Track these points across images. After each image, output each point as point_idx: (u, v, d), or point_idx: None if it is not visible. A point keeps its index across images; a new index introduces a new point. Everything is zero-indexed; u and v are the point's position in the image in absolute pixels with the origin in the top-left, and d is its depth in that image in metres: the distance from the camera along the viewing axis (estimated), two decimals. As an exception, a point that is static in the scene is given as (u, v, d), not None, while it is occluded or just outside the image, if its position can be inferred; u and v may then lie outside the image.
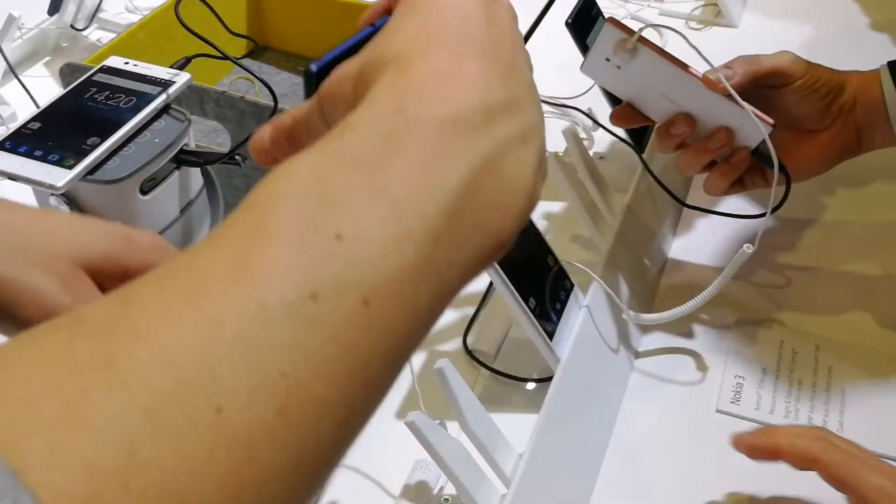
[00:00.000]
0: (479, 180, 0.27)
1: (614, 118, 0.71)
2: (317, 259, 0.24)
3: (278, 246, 0.24)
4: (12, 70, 0.93)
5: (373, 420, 0.46)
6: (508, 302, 0.60)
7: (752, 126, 0.64)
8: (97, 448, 0.19)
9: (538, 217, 0.77)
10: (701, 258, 0.80)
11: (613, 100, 0.79)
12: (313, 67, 0.33)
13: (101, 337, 0.22)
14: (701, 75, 0.65)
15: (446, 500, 0.59)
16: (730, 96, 0.64)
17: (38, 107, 0.87)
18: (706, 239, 0.81)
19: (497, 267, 0.58)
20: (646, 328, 0.73)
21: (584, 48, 0.77)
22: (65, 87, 0.63)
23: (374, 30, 0.34)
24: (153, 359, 0.21)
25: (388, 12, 0.34)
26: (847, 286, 0.76)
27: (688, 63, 0.67)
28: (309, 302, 0.23)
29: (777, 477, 0.61)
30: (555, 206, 0.83)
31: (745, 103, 0.63)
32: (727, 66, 0.66)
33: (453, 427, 0.54)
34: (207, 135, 0.89)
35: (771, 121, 0.65)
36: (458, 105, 0.27)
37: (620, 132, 0.81)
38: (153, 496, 0.20)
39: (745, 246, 0.63)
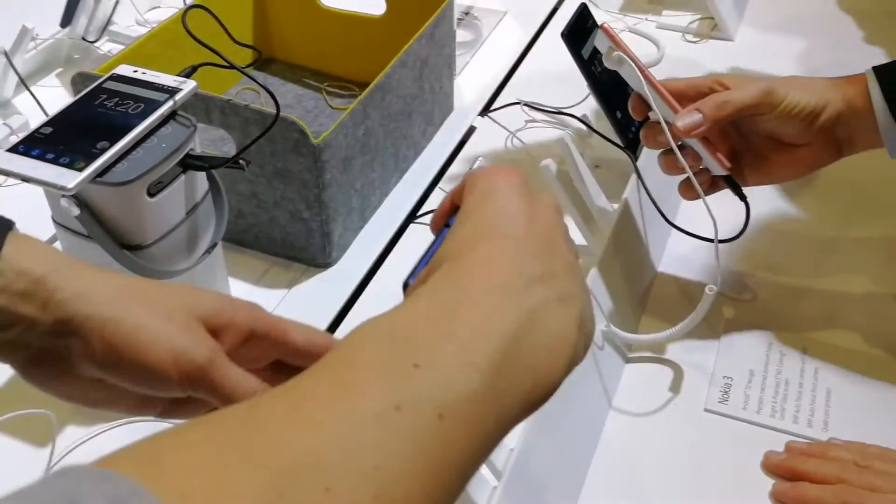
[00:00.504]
0: (527, 328, 0.34)
1: (632, 108, 0.72)
2: (398, 381, 0.30)
3: (366, 372, 0.31)
4: (23, 82, 0.96)
5: None
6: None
7: (713, 163, 0.69)
8: None
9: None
10: (692, 267, 0.81)
11: (607, 106, 0.81)
12: (410, 280, 0.41)
13: (238, 429, 0.29)
14: (676, 105, 0.67)
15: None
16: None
17: (46, 114, 0.90)
18: (697, 249, 0.83)
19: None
20: (637, 329, 0.75)
21: (579, 58, 0.79)
22: (75, 96, 0.65)
23: (448, 229, 0.40)
24: (277, 447, 0.28)
25: (455, 208, 0.40)
26: (835, 292, 0.78)
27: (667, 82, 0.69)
28: (394, 412, 0.29)
29: (762, 475, 0.63)
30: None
31: (703, 148, 0.68)
32: (697, 108, 0.67)
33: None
34: (214, 143, 0.91)
35: (728, 165, 0.69)
36: (502, 277, 0.35)
37: (616, 139, 0.83)
38: None
39: (707, 287, 0.65)
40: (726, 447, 0.65)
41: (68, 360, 0.45)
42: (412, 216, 0.89)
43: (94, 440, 0.66)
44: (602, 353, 0.70)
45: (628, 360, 0.72)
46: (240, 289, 0.79)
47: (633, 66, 0.68)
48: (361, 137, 0.81)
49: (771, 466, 0.62)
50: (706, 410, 0.68)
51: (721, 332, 0.74)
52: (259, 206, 0.80)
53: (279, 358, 0.49)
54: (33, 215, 0.72)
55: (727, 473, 0.63)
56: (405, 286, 0.41)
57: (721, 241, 0.68)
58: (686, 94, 0.69)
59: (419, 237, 0.86)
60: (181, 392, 0.45)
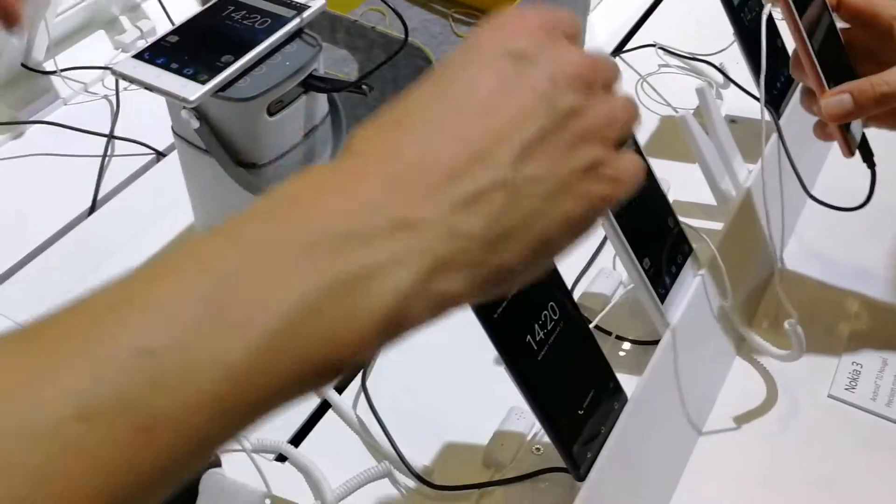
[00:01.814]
0: (316, 306, 0.24)
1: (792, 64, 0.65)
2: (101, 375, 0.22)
3: (64, 357, 0.22)
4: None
5: (470, 364, 0.46)
6: (623, 260, 0.59)
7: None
8: None
9: (664, 175, 0.74)
10: (820, 255, 0.76)
11: (752, 56, 0.75)
12: None
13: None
14: (822, 81, 0.60)
15: (538, 448, 0.59)
16: None
17: (172, 22, 0.89)
18: (829, 229, 0.76)
19: (615, 223, 0.57)
20: (756, 312, 0.70)
21: (728, 2, 0.73)
22: (203, 4, 0.64)
23: None
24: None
25: None
26: None
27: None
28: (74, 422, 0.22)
29: (885, 473, 0.59)
30: (685, 167, 0.80)
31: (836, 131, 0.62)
32: (850, 92, 0.59)
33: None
34: (336, 63, 0.89)
35: (852, 152, 0.63)
36: (317, 227, 0.25)
37: (755, 91, 0.77)
38: None
39: (787, 322, 0.59)
40: (848, 438, 0.61)
41: None
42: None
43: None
44: (722, 326, 0.65)
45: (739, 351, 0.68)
46: (349, 216, 0.78)
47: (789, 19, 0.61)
48: (487, 70, 0.77)
49: None
50: (829, 397, 0.63)
51: (853, 317, 0.69)
52: (376, 133, 0.77)
53: None
54: (153, 122, 0.72)
55: (847, 465, 0.59)
56: None
57: (846, 210, 0.62)
58: (860, 14, 0.62)
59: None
60: None
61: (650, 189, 0.62)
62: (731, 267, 0.66)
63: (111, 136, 0.82)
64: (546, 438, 0.54)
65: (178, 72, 0.57)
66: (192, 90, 0.56)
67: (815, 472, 0.59)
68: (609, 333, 0.66)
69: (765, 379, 0.65)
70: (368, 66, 0.64)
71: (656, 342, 0.65)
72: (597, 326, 0.67)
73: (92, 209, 0.77)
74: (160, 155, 0.83)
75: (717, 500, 0.58)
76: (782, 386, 0.64)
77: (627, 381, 0.57)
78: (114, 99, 0.85)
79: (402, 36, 0.64)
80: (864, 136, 0.65)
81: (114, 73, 0.58)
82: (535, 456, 0.58)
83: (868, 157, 0.65)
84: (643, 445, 0.57)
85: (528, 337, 0.49)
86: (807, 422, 0.62)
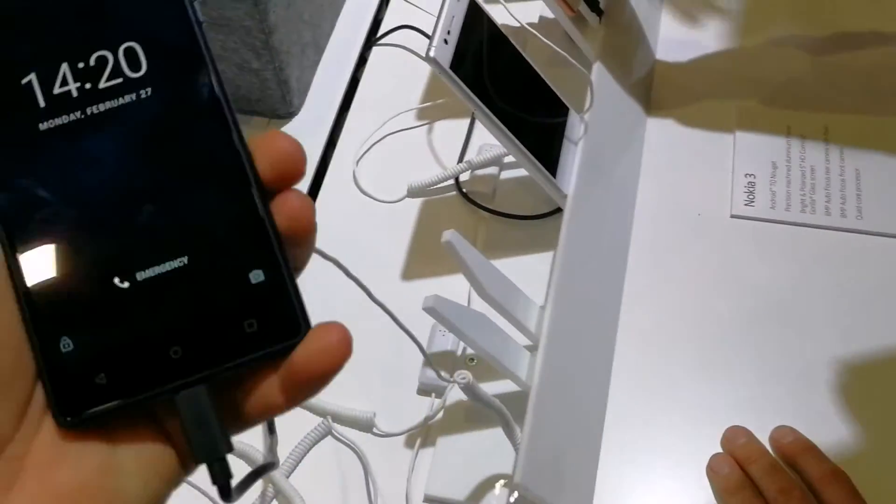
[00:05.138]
0: None
1: None
2: None
3: None
4: None
5: (387, 288, 0.42)
6: (505, 145, 0.55)
7: None
8: None
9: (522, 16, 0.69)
10: (692, 49, 0.74)
11: None
12: None
13: None
14: None
15: (471, 359, 0.57)
16: None
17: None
18: (690, 31, 0.74)
19: (487, 111, 0.53)
20: (647, 133, 0.68)
21: None
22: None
23: None
24: None
25: None
26: (851, 65, 0.70)
27: None
28: None
29: (801, 283, 0.60)
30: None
31: None
32: None
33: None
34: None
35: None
36: None
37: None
38: None
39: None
40: (760, 254, 0.61)
41: None
42: (372, 37, 0.79)
43: None
44: (618, 178, 0.64)
45: (642, 181, 0.66)
46: (200, 157, 0.71)
47: None
48: (300, -40, 0.69)
49: None
50: (733, 216, 0.63)
51: (735, 122, 0.68)
52: (200, 62, 0.69)
53: None
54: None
55: (760, 283, 0.60)
56: None
57: None
58: None
59: (387, 62, 0.77)
60: None
61: (510, 57, 0.58)
62: (615, 82, 0.64)
63: None
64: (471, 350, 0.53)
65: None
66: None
67: (737, 294, 0.60)
68: (511, 216, 0.63)
69: (670, 219, 0.63)
70: None
71: (555, 212, 0.64)
72: (492, 210, 0.65)
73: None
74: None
75: (650, 348, 0.58)
76: (688, 220, 0.63)
77: (542, 259, 0.55)
78: None
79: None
80: None
81: None
82: (472, 367, 0.57)
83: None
84: (574, 316, 0.56)
85: None
86: (718, 247, 0.62)
